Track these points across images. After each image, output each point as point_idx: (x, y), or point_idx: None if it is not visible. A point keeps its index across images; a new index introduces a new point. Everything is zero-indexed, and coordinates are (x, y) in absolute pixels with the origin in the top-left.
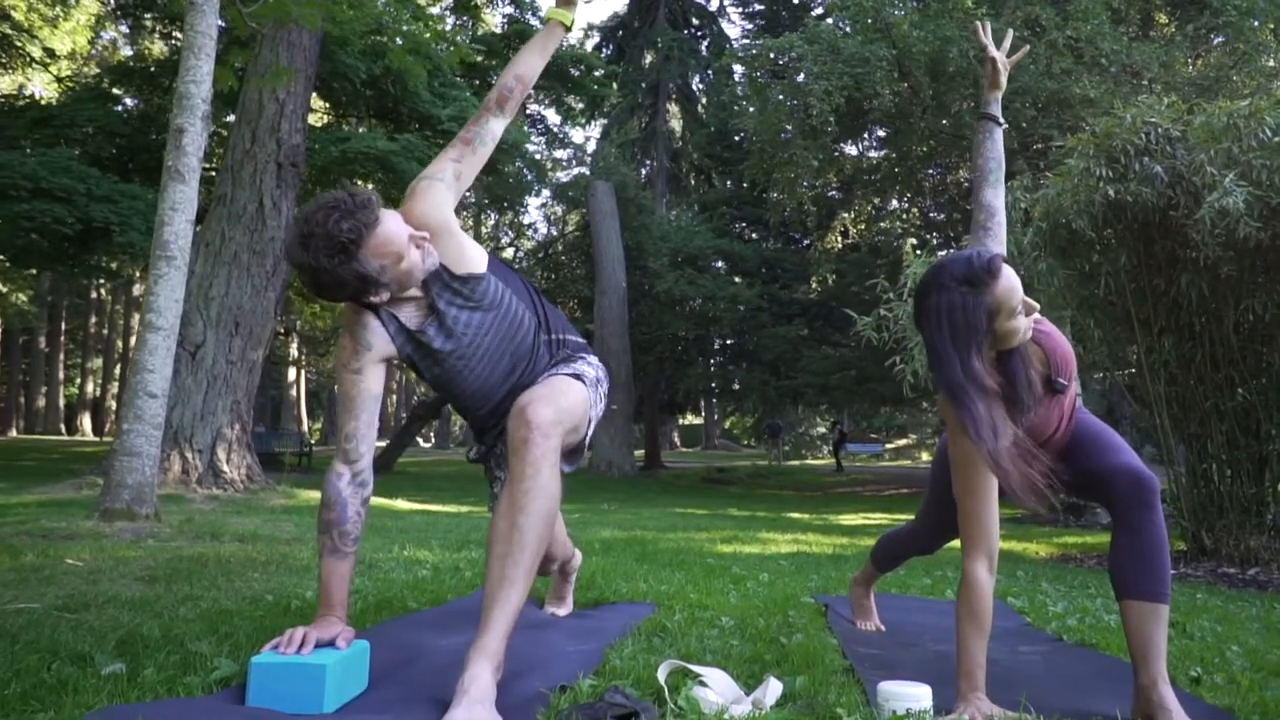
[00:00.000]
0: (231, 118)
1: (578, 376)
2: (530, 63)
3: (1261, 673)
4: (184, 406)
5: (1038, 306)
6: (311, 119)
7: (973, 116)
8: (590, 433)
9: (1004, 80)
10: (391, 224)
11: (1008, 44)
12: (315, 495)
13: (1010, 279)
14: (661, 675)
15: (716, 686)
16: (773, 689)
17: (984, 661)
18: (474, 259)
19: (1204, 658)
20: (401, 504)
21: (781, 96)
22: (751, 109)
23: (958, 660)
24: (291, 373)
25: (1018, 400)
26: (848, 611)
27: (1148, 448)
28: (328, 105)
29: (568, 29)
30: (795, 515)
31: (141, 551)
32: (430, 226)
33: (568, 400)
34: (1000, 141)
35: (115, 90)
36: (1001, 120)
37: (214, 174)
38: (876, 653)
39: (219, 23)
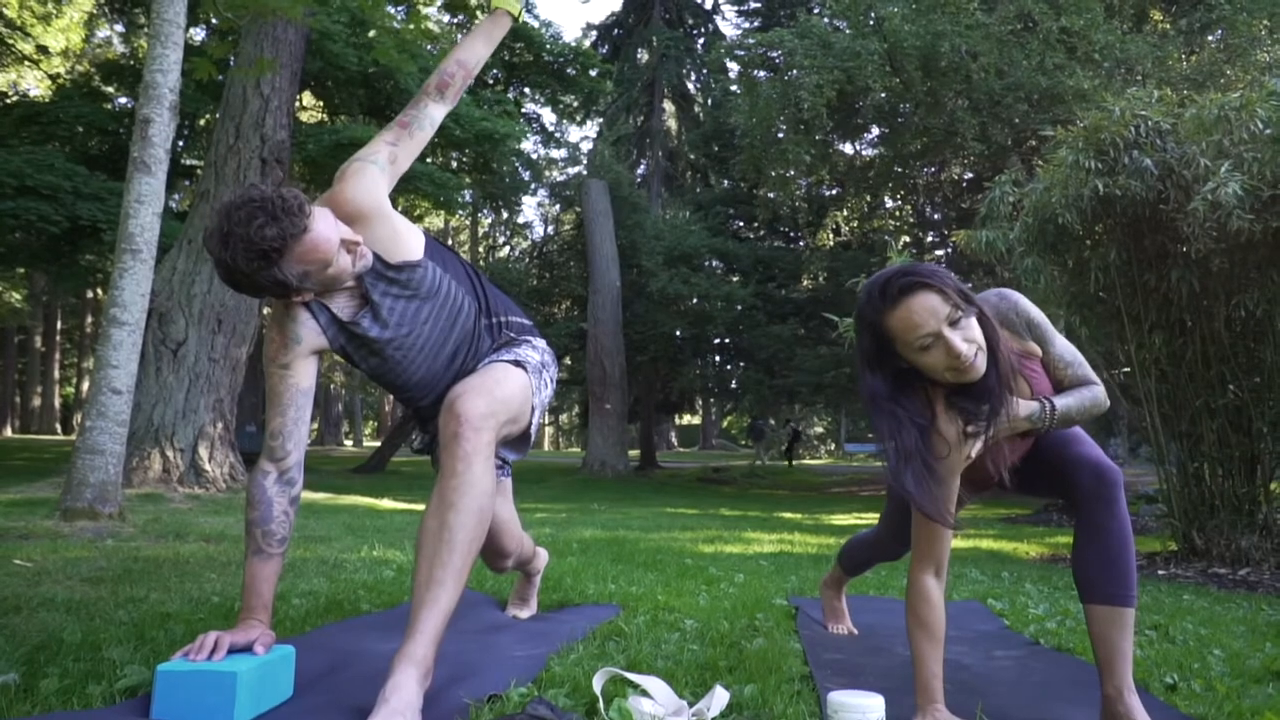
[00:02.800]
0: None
1: (518, 363)
2: (474, 49)
3: (1240, 679)
4: (165, 404)
5: (962, 353)
6: (304, 116)
7: (965, 113)
8: (537, 420)
9: None
10: (321, 229)
11: None
12: (302, 494)
13: (910, 312)
14: (597, 685)
15: (657, 696)
16: (718, 699)
17: (940, 671)
18: (409, 246)
19: (1184, 663)
20: (386, 503)
21: (772, 91)
22: (742, 103)
23: (914, 672)
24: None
25: (980, 430)
26: (819, 614)
27: (1145, 448)
28: (321, 103)
29: (515, 19)
30: (787, 515)
31: (96, 552)
32: (362, 211)
33: (503, 390)
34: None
35: (106, 88)
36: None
37: (199, 170)
38: (841, 658)
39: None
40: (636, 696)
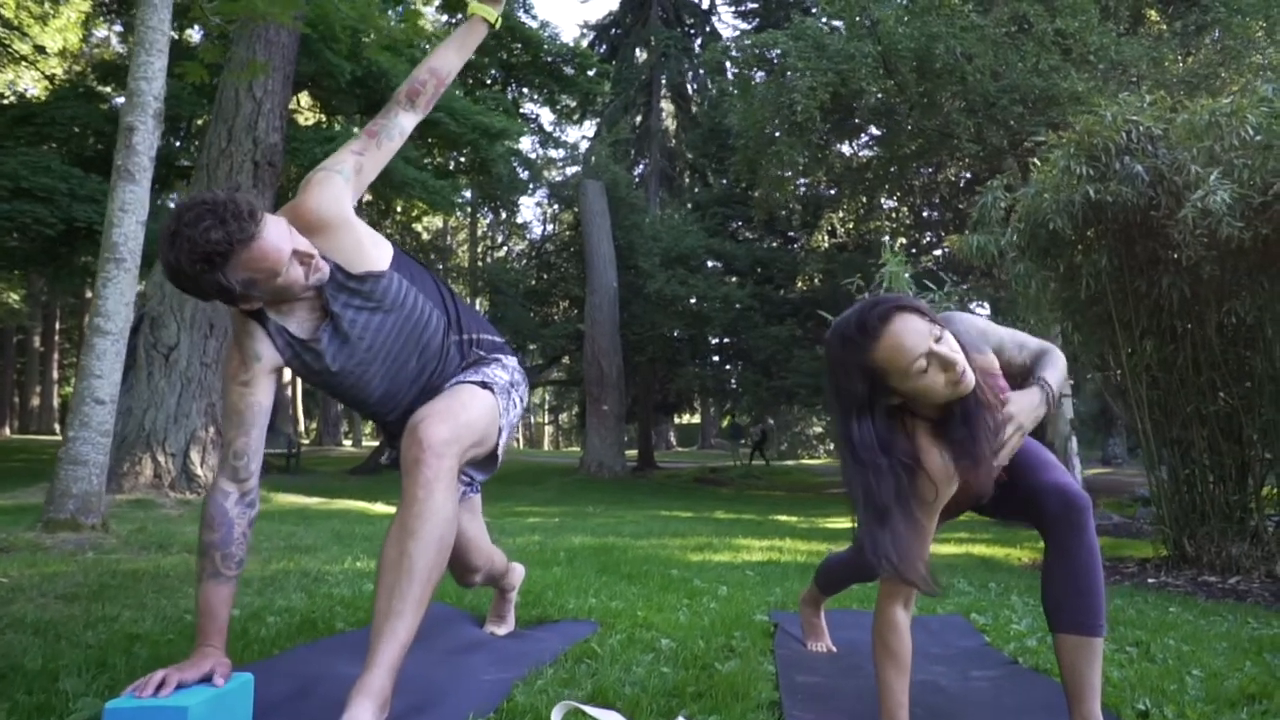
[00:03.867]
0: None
1: (485, 384)
2: (446, 58)
3: (1215, 704)
4: (157, 409)
5: (957, 362)
6: (300, 119)
7: (961, 114)
8: (504, 440)
9: None
10: (271, 238)
11: None
12: (294, 499)
13: (899, 337)
14: (556, 718)
15: None
16: None
17: (905, 700)
18: (373, 256)
19: (1160, 686)
20: (379, 508)
21: (766, 92)
22: (737, 104)
23: (880, 702)
24: (287, 373)
25: (974, 454)
26: (799, 631)
27: (1139, 452)
28: (317, 104)
29: (491, 26)
30: (782, 518)
31: (75, 566)
32: (325, 220)
33: (468, 414)
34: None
35: (103, 89)
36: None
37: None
38: (816, 680)
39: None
40: None
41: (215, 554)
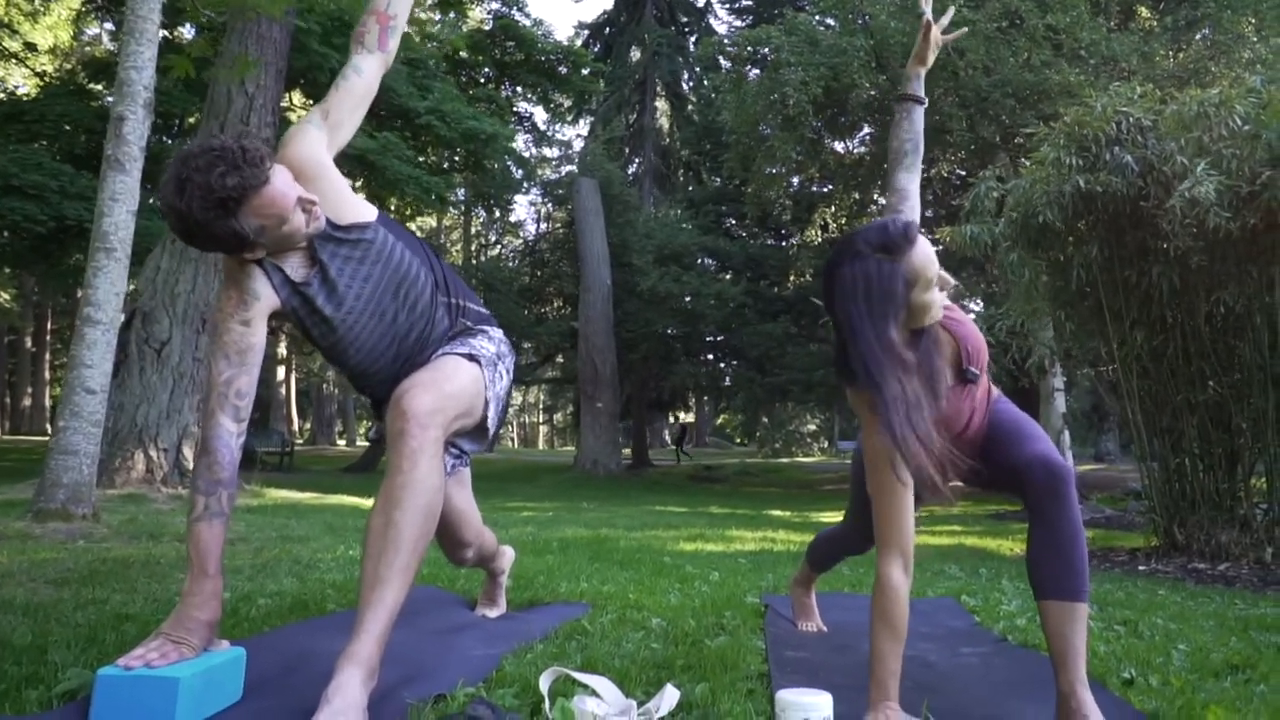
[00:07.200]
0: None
1: (471, 356)
2: None
3: (1198, 673)
4: (149, 404)
5: (952, 282)
6: (292, 116)
7: (953, 108)
8: (494, 412)
9: (931, 56)
10: (280, 184)
11: (946, 19)
12: (287, 494)
13: (927, 248)
14: (544, 684)
15: (604, 696)
16: (668, 697)
17: (898, 669)
18: (358, 209)
19: (1147, 659)
20: (372, 503)
21: (759, 88)
22: (730, 100)
23: (870, 667)
24: (280, 372)
25: (929, 386)
26: (790, 612)
27: (1132, 449)
28: (310, 101)
29: None
30: (776, 513)
31: (65, 553)
32: (304, 167)
33: (453, 384)
34: (920, 122)
35: (94, 86)
36: (924, 98)
37: None
38: (805, 656)
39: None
40: (582, 696)
41: (224, 493)
